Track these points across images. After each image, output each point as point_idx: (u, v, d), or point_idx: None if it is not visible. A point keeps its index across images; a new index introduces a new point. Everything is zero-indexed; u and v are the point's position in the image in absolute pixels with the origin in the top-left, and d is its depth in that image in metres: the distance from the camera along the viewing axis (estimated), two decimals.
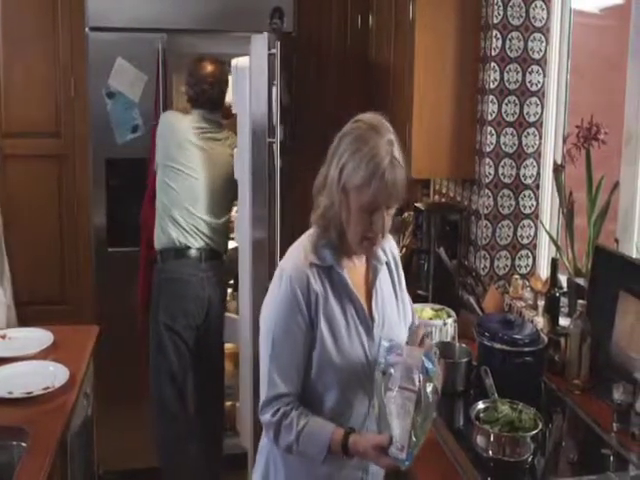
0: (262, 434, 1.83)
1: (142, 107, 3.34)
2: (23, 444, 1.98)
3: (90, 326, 2.83)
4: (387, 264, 1.83)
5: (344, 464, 1.73)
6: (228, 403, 3.47)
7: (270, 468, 1.81)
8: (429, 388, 1.58)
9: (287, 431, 1.66)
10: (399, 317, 1.82)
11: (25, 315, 3.28)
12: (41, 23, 3.39)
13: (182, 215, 3.10)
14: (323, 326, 1.67)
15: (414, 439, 1.55)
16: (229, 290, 3.47)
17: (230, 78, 3.12)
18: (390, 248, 1.86)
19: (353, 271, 1.75)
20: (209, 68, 3.13)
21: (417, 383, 1.56)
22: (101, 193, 3.36)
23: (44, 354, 2.50)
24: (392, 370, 1.59)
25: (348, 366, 1.69)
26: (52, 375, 2.31)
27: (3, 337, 2.63)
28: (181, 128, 3.13)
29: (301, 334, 1.67)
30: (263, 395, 1.70)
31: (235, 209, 3.25)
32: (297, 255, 1.72)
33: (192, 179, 3.10)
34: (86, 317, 3.31)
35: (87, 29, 3.28)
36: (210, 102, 3.15)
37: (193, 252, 3.11)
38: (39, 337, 2.61)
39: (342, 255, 1.72)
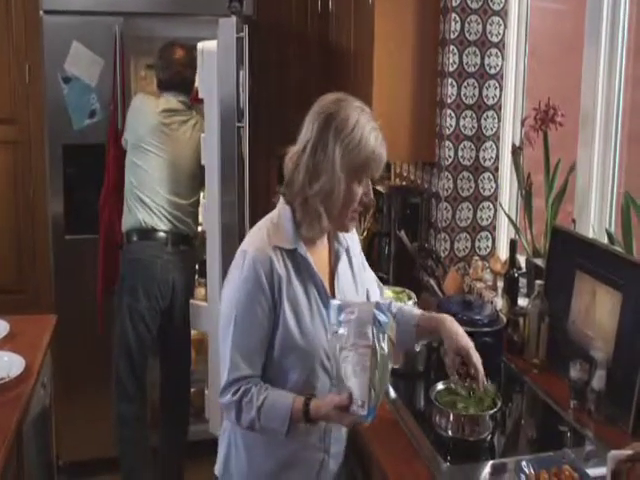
0: (223, 419, 1.82)
1: (99, 92, 3.28)
2: None
3: (47, 315, 2.79)
4: (346, 251, 1.84)
5: (305, 445, 1.73)
6: (192, 389, 3.45)
7: (231, 452, 1.81)
8: (384, 340, 1.57)
9: (248, 408, 1.65)
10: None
11: None
12: None
13: (149, 196, 3.08)
14: (286, 308, 1.67)
15: (374, 393, 1.54)
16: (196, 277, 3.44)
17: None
18: (351, 235, 1.86)
19: (316, 254, 1.76)
20: (180, 52, 3.13)
21: (371, 337, 1.55)
22: (58, 179, 3.30)
23: (0, 344, 2.45)
24: (344, 329, 1.58)
25: (310, 347, 1.69)
26: (7, 365, 2.27)
27: None
28: (151, 110, 3.11)
29: (264, 316, 1.66)
30: (224, 377, 1.68)
31: (202, 194, 3.23)
32: (260, 237, 1.71)
33: (160, 159, 3.09)
34: (43, 306, 3.26)
35: (42, 12, 3.20)
36: (181, 85, 3.15)
37: (159, 234, 3.09)
38: None
39: (306, 238, 1.72)
